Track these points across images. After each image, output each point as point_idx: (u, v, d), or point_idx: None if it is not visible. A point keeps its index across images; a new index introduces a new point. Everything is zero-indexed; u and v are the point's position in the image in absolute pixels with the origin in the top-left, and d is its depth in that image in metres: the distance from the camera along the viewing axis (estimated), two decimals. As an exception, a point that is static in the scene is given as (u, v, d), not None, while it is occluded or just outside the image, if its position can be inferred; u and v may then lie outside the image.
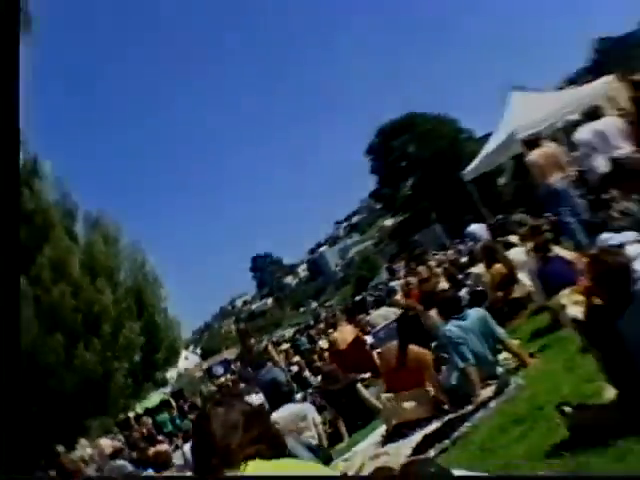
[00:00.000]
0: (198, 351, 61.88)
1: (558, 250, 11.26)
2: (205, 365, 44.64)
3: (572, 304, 8.76)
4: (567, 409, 6.29)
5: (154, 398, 27.06)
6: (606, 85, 24.85)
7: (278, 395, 11.23)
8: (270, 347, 18.29)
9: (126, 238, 27.02)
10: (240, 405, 3.56)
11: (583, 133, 15.72)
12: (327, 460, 9.75)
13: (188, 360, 48.24)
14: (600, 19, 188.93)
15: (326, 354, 16.32)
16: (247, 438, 3.41)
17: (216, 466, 3.31)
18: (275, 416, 10.39)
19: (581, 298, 6.60)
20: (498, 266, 12.66)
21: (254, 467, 3.30)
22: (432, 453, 7.87)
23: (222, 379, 28.05)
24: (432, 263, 28.52)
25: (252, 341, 17.85)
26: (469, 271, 15.01)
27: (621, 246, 7.57)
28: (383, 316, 16.03)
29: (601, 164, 15.20)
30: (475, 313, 9.53)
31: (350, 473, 8.22)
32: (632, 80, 18.04)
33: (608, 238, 9.54)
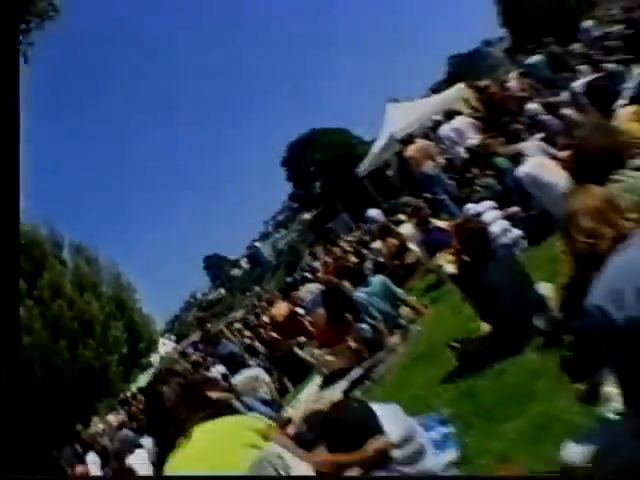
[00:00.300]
0: (172, 337, 61.04)
1: (436, 222, 11.41)
2: (179, 348, 44.43)
3: (447, 263, 8.92)
4: (455, 344, 6.43)
5: (142, 379, 27.25)
6: (459, 91, 25.48)
7: (235, 364, 11.32)
8: (224, 328, 18.42)
9: (103, 257, 28.01)
10: (177, 380, 3.55)
11: (444, 130, 16.19)
12: (279, 408, 9.81)
13: (166, 346, 47.66)
14: (452, 38, 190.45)
15: (269, 327, 16.32)
16: (194, 407, 3.41)
17: (173, 435, 3.30)
18: (235, 380, 10.44)
19: (453, 258, 6.69)
20: (392, 240, 12.76)
21: (199, 430, 3.31)
22: (358, 393, 7.93)
23: (193, 357, 27.86)
24: (344, 244, 28.65)
25: (209, 325, 17.93)
26: (371, 247, 15.08)
27: (479, 214, 7.73)
28: (310, 291, 16.08)
29: (461, 152, 15.56)
30: (377, 280, 9.61)
31: (297, 417, 8.24)
32: (477, 86, 18.52)
33: (470, 208, 9.72)
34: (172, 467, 3.22)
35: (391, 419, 4.61)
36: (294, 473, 3.27)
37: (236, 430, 3.40)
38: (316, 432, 5.59)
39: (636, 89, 10.98)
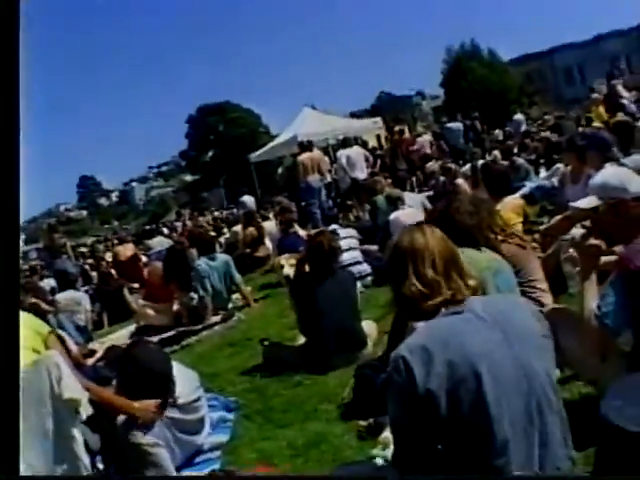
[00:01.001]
0: (23, 236, 58.69)
1: (297, 228, 11.42)
2: (24, 248, 43.04)
3: (289, 265, 8.94)
4: (266, 343, 6.40)
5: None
6: (374, 124, 25.93)
7: (66, 282, 10.95)
8: (68, 245, 17.79)
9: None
10: None
11: (339, 154, 16.46)
12: (89, 339, 9.59)
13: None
14: (389, 75, 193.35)
15: (110, 262, 15.95)
16: None
17: None
18: (58, 296, 10.16)
19: (295, 263, 6.68)
20: (252, 229, 12.72)
21: None
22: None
23: (33, 262, 26.94)
24: (209, 216, 28.51)
25: (56, 236, 17.13)
26: (232, 229, 14.99)
27: (336, 233, 7.75)
28: (160, 243, 15.85)
29: (347, 179, 15.80)
30: (223, 257, 9.54)
31: (99, 352, 8.02)
32: (392, 127, 18.93)
33: (334, 227, 9.79)
34: None
35: (187, 381, 4.54)
36: (65, 386, 3.14)
37: (22, 329, 3.21)
38: (113, 368, 5.41)
39: (532, 190, 11.43)
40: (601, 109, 16.00)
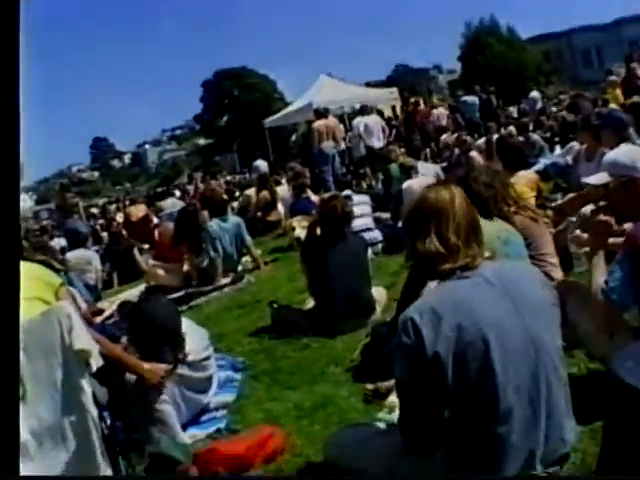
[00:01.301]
0: (34, 197, 58.94)
1: (310, 193, 11.41)
2: (35, 208, 43.24)
3: (300, 227, 8.93)
4: (275, 305, 6.41)
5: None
6: (390, 94, 25.75)
7: (76, 241, 10.96)
8: (80, 204, 17.80)
9: None
10: None
11: (356, 122, 16.30)
12: (97, 298, 9.60)
13: (25, 202, 46.12)
14: (406, 47, 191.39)
15: (121, 223, 15.95)
16: None
17: None
18: (69, 255, 10.18)
19: (307, 226, 6.66)
20: (265, 193, 12.70)
21: None
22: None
23: (44, 222, 26.94)
24: (221, 180, 28.46)
25: (68, 195, 17.11)
26: (245, 192, 14.96)
27: (349, 198, 7.72)
28: (171, 204, 15.85)
29: (362, 147, 15.72)
30: (235, 219, 9.54)
31: (108, 310, 8.07)
32: (408, 98, 18.76)
33: (348, 193, 9.76)
34: None
35: (197, 339, 4.56)
36: (76, 336, 3.13)
37: (31, 280, 3.21)
38: (124, 324, 5.44)
39: (546, 166, 11.35)
40: (618, 91, 15.81)
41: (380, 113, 20.14)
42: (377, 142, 15.66)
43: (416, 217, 2.83)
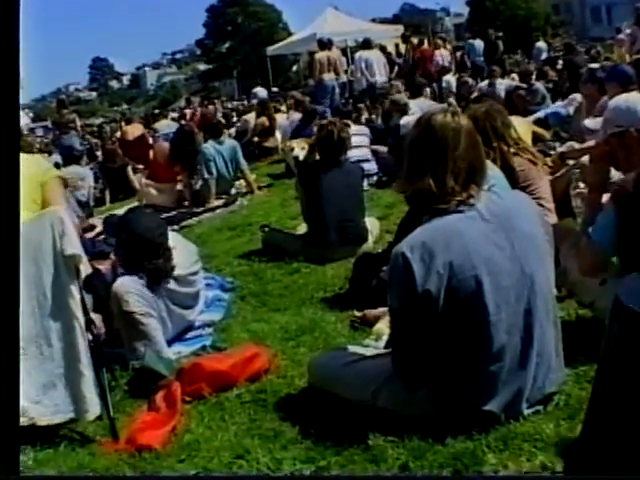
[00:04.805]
0: (30, 115, 58.27)
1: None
2: (31, 125, 42.94)
3: (299, 148, 8.83)
4: (267, 229, 6.35)
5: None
6: (395, 32, 25.35)
7: (70, 157, 10.90)
8: (77, 120, 17.59)
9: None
10: None
11: (358, 55, 16.10)
12: (89, 215, 9.53)
13: (22, 119, 45.71)
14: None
15: (117, 141, 15.76)
16: None
17: None
18: (64, 170, 10.07)
19: (306, 147, 6.57)
20: (264, 118, 12.53)
21: None
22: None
23: (39, 139, 26.73)
24: (219, 106, 28.13)
25: (65, 111, 16.88)
26: (243, 118, 14.79)
27: (348, 125, 7.59)
28: (167, 125, 15.75)
29: (363, 81, 15.54)
30: (231, 142, 9.47)
31: (100, 226, 7.99)
32: (411, 38, 18.53)
33: (347, 122, 9.63)
34: None
35: (186, 253, 4.49)
36: (67, 242, 3.05)
37: (28, 183, 3.13)
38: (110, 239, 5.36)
39: (547, 114, 11.20)
40: (623, 50, 15.62)
41: (382, 49, 19.85)
42: (379, 77, 15.45)
43: (416, 148, 2.74)
